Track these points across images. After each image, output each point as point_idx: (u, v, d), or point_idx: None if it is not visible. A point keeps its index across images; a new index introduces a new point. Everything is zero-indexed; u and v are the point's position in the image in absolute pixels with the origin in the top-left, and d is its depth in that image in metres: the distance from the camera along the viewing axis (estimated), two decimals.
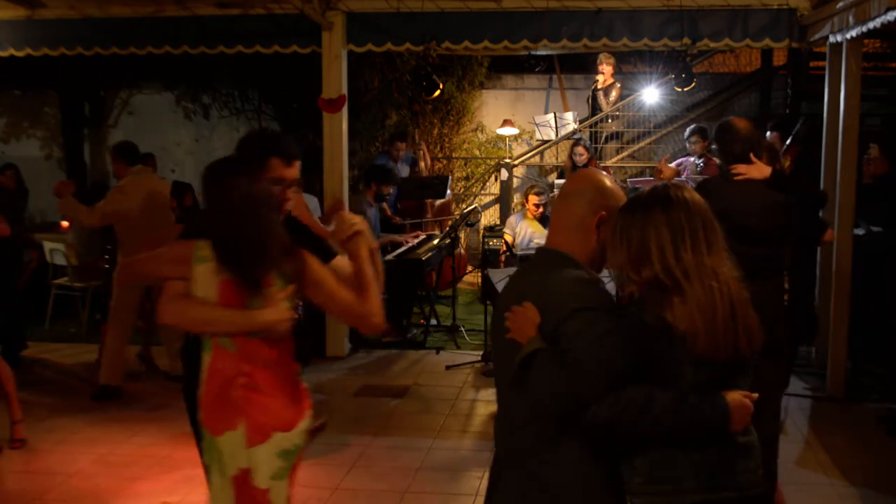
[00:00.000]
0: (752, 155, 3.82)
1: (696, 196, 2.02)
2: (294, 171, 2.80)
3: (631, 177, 9.32)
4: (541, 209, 7.45)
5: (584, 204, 2.09)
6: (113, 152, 6.21)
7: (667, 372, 1.91)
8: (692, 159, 8.04)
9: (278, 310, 2.50)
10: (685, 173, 8.03)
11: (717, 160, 8.25)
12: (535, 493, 2.00)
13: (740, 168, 3.81)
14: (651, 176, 8.41)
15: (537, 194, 7.48)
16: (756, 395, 1.99)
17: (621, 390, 1.87)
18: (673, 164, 8.61)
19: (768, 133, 7.43)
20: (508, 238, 7.39)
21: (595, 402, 1.86)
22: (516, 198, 10.44)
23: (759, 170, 3.81)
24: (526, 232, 7.45)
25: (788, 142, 7.27)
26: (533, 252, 7.08)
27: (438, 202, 9.23)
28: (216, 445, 2.52)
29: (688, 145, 8.18)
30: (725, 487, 1.94)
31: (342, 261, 2.76)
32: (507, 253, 7.13)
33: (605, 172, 2.25)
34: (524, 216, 7.54)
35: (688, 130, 8.27)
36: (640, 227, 1.96)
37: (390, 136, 9.24)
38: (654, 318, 1.90)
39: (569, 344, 1.89)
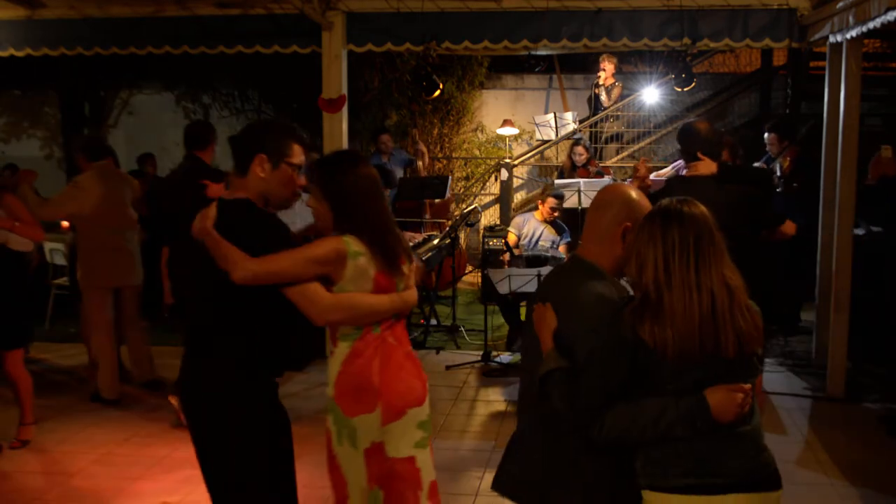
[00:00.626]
0: (699, 153, 4.16)
1: (696, 209, 2.17)
2: (305, 157, 2.94)
3: (631, 177, 9.32)
4: (556, 213, 7.36)
5: (611, 216, 2.31)
6: (77, 145, 6.03)
7: (650, 380, 2.10)
8: None
9: (414, 289, 2.79)
10: (683, 173, 8.03)
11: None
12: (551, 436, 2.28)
13: (691, 166, 4.16)
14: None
15: (555, 198, 7.36)
16: (748, 385, 2.12)
17: (610, 412, 2.10)
18: (672, 165, 8.63)
19: (766, 134, 7.45)
20: (512, 237, 7.37)
21: (597, 418, 2.11)
22: (517, 197, 10.45)
23: (706, 166, 4.12)
24: (534, 233, 7.41)
25: (787, 143, 7.29)
26: (542, 254, 7.11)
27: (437, 202, 9.24)
28: (350, 423, 2.63)
29: None
30: (715, 474, 2.10)
31: None
32: (507, 252, 7.13)
33: (631, 186, 2.50)
34: (534, 216, 7.50)
35: None
36: (643, 240, 2.15)
37: (373, 132, 9.24)
38: (630, 331, 2.09)
39: (581, 361, 2.16)
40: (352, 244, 2.61)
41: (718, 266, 2.12)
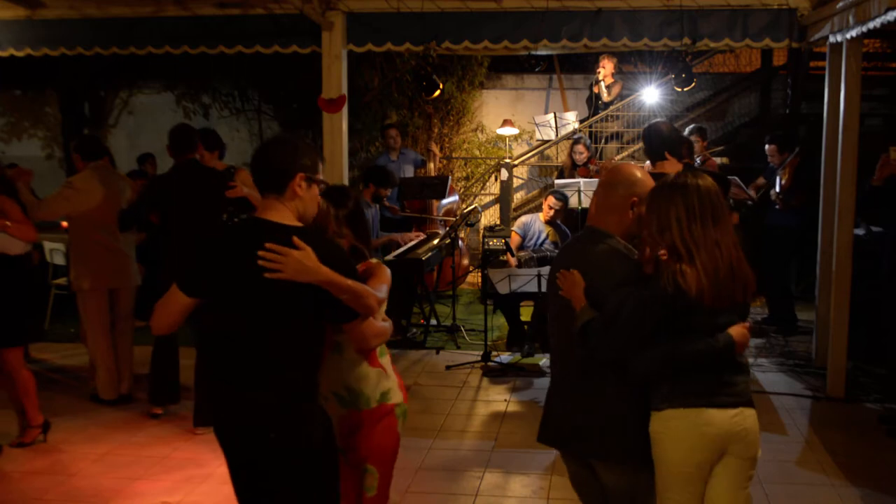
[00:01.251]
0: (667, 153, 4.42)
1: (709, 181, 2.59)
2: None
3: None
4: (552, 212, 7.35)
5: (622, 191, 2.73)
6: (73, 145, 5.92)
7: (684, 323, 2.53)
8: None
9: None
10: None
11: (716, 160, 8.32)
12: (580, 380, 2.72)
13: (658, 165, 4.44)
14: None
15: (556, 199, 7.33)
16: (749, 322, 2.66)
17: (652, 349, 2.53)
18: None
19: (767, 145, 7.46)
20: (516, 237, 7.35)
21: (633, 357, 2.55)
22: (517, 197, 10.45)
23: (672, 166, 4.38)
24: (539, 234, 7.41)
25: (788, 154, 7.29)
26: (547, 254, 7.10)
27: (445, 204, 9.23)
28: (405, 409, 3.03)
29: None
30: (731, 393, 2.59)
31: None
32: (509, 252, 7.11)
33: (637, 164, 2.86)
34: (538, 217, 7.49)
35: (687, 130, 8.28)
36: (665, 204, 2.55)
37: (382, 126, 9.23)
38: (671, 284, 2.48)
39: (613, 311, 2.53)
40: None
41: (728, 227, 2.56)
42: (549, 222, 7.42)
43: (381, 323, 2.82)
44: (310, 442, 2.53)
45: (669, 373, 2.55)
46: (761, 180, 7.66)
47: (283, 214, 2.56)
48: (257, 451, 2.52)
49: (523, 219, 7.60)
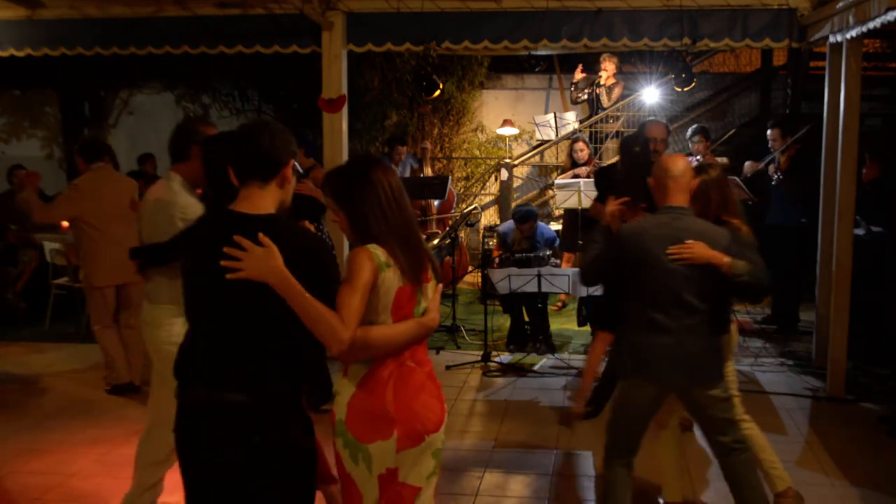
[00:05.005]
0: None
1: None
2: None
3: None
4: (527, 234, 7.16)
5: (689, 178, 3.47)
6: (76, 147, 6.16)
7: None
8: (694, 159, 8.06)
9: (437, 311, 2.60)
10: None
11: (718, 159, 8.33)
12: None
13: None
14: None
15: (518, 221, 7.14)
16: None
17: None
18: None
19: (769, 130, 7.46)
20: (496, 244, 7.41)
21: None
22: (517, 197, 10.45)
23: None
24: (515, 243, 7.34)
25: (790, 139, 7.30)
26: (526, 256, 7.06)
27: (438, 203, 9.24)
28: (365, 449, 2.48)
29: (690, 145, 8.19)
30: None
31: None
32: (506, 255, 7.11)
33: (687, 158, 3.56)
34: (513, 229, 7.36)
35: (690, 130, 8.29)
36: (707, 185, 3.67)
37: (390, 139, 9.24)
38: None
39: (749, 254, 3.41)
40: (379, 255, 2.44)
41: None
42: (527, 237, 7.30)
43: (371, 331, 2.42)
44: (290, 442, 2.42)
45: None
46: (749, 165, 7.63)
47: (263, 203, 2.42)
48: (234, 455, 2.37)
49: (501, 227, 7.63)
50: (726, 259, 3.29)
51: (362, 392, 2.49)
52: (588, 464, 4.73)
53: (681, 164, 3.46)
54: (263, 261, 2.28)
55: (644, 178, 4.99)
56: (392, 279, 2.46)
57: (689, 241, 3.30)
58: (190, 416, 2.42)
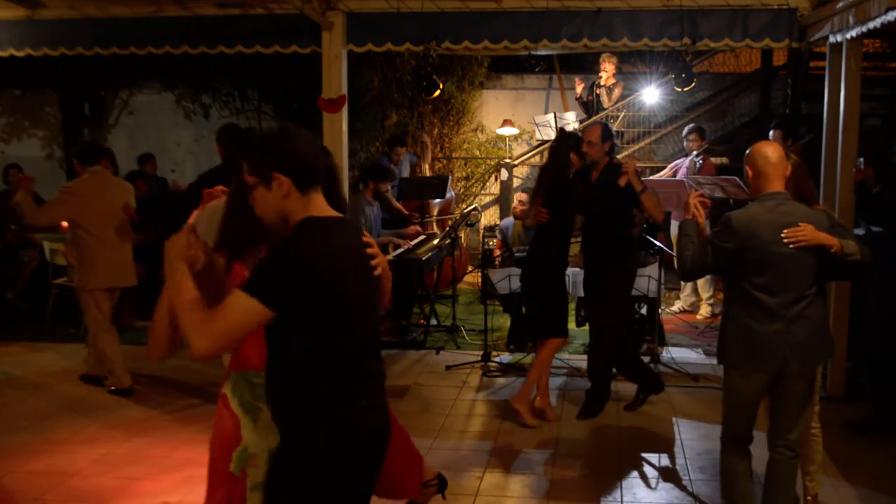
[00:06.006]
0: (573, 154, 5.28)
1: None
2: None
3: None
4: (522, 208, 7.33)
5: (785, 164, 3.51)
6: (72, 150, 6.19)
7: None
8: (691, 157, 8.07)
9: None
10: (683, 172, 8.04)
11: (713, 160, 8.34)
12: None
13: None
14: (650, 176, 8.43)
15: (524, 192, 7.40)
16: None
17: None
18: (670, 165, 8.66)
19: (771, 131, 7.46)
20: (497, 242, 7.42)
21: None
22: (516, 198, 10.46)
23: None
24: (514, 235, 7.42)
25: (791, 142, 7.31)
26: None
27: (438, 203, 9.24)
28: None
29: (685, 142, 8.21)
30: None
31: None
32: (507, 254, 7.13)
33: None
34: (512, 216, 7.53)
35: (686, 129, 8.31)
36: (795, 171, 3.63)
37: (389, 139, 9.25)
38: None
39: (847, 234, 3.50)
40: None
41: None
42: (518, 217, 7.43)
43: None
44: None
45: None
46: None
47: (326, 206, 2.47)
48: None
49: (502, 223, 7.68)
50: (836, 240, 3.34)
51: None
52: (588, 464, 4.73)
53: (778, 151, 3.51)
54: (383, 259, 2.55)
55: (564, 177, 5.21)
56: None
57: (801, 224, 3.34)
58: (372, 432, 2.43)
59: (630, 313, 5.50)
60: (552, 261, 5.39)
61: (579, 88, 10.05)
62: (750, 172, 3.53)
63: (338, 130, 6.69)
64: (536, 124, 10.21)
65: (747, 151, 3.60)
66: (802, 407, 3.55)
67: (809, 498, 3.99)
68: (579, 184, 5.35)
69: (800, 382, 3.46)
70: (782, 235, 3.34)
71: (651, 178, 8.13)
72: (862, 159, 5.50)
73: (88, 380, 6.17)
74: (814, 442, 3.94)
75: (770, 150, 3.49)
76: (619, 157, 10.13)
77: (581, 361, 6.54)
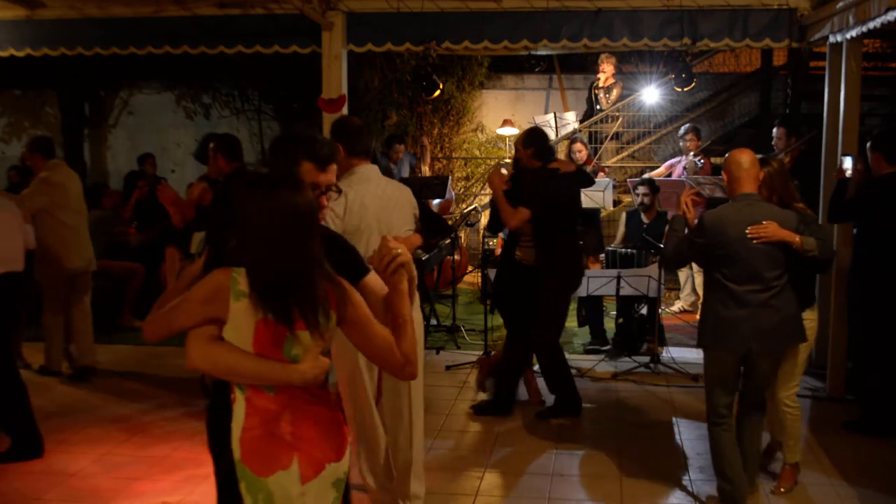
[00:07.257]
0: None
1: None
2: (329, 175, 2.51)
3: (630, 176, 9.32)
4: None
5: (757, 169, 3.86)
6: (30, 146, 6.15)
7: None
8: (690, 157, 8.07)
9: (316, 363, 2.20)
10: (681, 173, 8.05)
11: (713, 160, 8.33)
12: None
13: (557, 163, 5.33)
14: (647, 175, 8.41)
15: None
16: None
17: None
18: (665, 165, 8.66)
19: (775, 128, 7.46)
20: (499, 242, 7.41)
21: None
22: None
23: (566, 165, 5.43)
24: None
25: (794, 139, 7.30)
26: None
27: (438, 203, 9.23)
28: (265, 486, 2.19)
29: (682, 143, 8.22)
30: None
31: (375, 279, 2.44)
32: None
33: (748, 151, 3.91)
34: None
35: (682, 129, 8.31)
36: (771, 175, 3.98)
37: (388, 137, 9.25)
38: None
39: (816, 232, 3.87)
40: (238, 282, 2.14)
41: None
42: None
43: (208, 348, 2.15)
44: None
45: None
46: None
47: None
48: None
49: None
50: (797, 237, 3.71)
51: (252, 420, 2.21)
52: (587, 464, 4.73)
53: (749, 157, 3.88)
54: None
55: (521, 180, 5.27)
56: (245, 312, 2.15)
57: (765, 222, 3.71)
58: None
59: (562, 325, 5.42)
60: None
61: (609, 70, 9.92)
62: (726, 177, 3.93)
63: None
64: (536, 124, 10.21)
65: (725, 156, 3.99)
66: (767, 380, 3.99)
67: (788, 466, 4.29)
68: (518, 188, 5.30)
69: (764, 362, 3.87)
70: (746, 232, 3.71)
71: (650, 174, 8.14)
72: (850, 157, 5.46)
73: (78, 373, 6.27)
74: (792, 418, 4.22)
75: (743, 157, 3.86)
76: (618, 157, 10.19)
77: (581, 361, 6.54)
